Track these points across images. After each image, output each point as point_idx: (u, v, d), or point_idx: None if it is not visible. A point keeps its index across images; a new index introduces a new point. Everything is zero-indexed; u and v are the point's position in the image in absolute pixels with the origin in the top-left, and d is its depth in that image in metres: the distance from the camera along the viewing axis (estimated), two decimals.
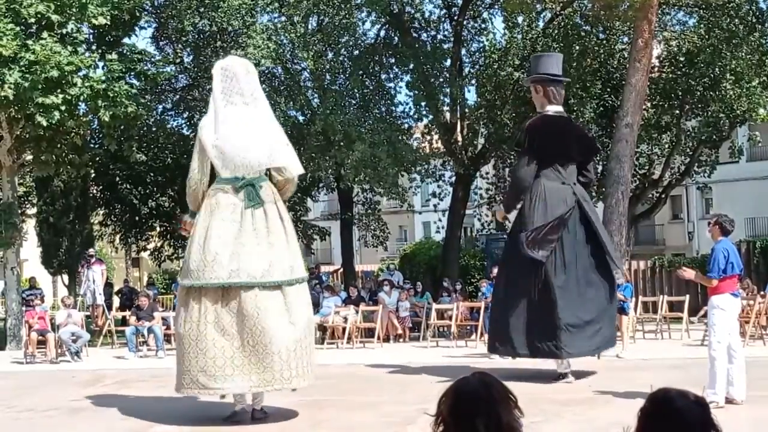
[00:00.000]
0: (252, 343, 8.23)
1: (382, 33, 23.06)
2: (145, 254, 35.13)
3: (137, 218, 28.37)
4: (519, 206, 11.11)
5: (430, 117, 22.60)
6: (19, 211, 21.18)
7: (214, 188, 8.83)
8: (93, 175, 26.38)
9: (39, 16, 16.70)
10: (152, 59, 21.26)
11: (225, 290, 8.40)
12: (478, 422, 2.47)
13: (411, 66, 21.88)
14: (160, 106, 26.20)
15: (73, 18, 17.17)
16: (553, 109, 11.29)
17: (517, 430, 2.52)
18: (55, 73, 16.14)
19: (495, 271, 16.14)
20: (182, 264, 9.31)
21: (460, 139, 23.52)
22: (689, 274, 8.92)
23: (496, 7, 23.30)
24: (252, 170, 8.71)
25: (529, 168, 11.00)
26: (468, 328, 17.47)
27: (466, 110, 23.44)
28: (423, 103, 21.63)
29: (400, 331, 18.03)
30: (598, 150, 12.17)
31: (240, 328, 8.28)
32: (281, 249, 8.58)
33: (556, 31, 22.45)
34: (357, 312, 17.35)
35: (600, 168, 23.05)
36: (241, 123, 8.80)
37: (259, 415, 8.72)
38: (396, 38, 22.73)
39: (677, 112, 23.18)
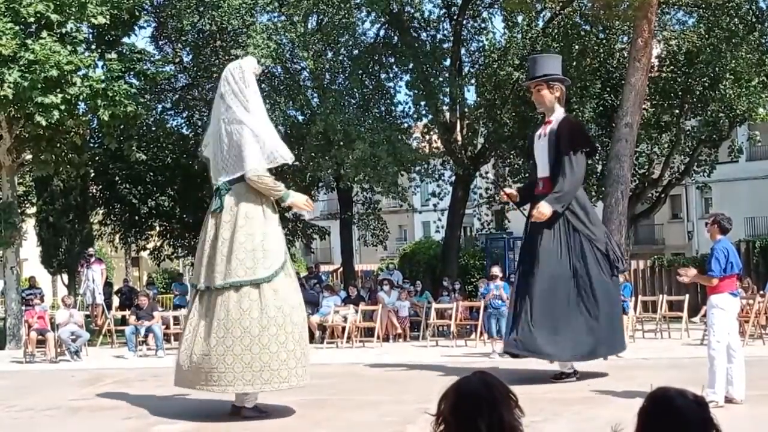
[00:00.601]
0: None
1: (382, 32, 23.06)
2: (144, 254, 35.14)
3: (137, 218, 28.35)
4: None
5: (430, 117, 22.59)
6: (19, 211, 21.16)
7: None
8: (92, 174, 26.38)
9: (38, 15, 16.68)
10: (152, 59, 21.25)
11: (200, 294, 8.91)
12: (480, 422, 2.46)
13: (410, 65, 21.86)
14: (160, 106, 26.18)
15: (73, 17, 17.15)
16: (563, 111, 11.24)
17: (518, 430, 2.53)
18: (54, 72, 16.13)
19: (495, 269, 16.17)
20: None
21: (459, 138, 23.52)
22: (691, 272, 8.85)
23: (496, 6, 23.30)
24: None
25: (585, 167, 11.07)
26: (468, 327, 17.47)
27: (466, 110, 23.44)
28: (423, 103, 21.62)
29: (399, 331, 18.03)
30: None
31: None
32: (223, 253, 8.63)
33: (555, 31, 22.46)
34: (356, 311, 17.35)
35: (600, 167, 23.10)
36: (216, 135, 9.04)
37: (248, 413, 8.74)
38: (395, 38, 22.72)
39: (677, 111, 23.18)
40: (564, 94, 11.20)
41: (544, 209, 10.54)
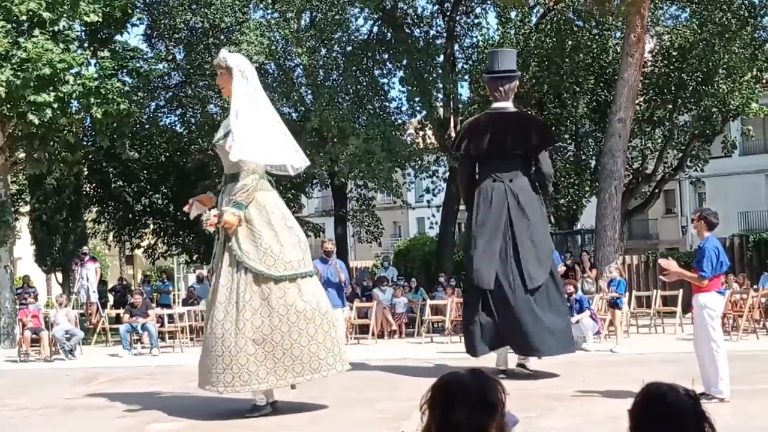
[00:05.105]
0: None
1: (375, 29, 23.05)
2: (138, 252, 35.10)
3: (131, 216, 28.33)
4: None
5: (424, 113, 22.60)
6: (13, 209, 21.09)
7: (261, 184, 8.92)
8: (86, 172, 26.34)
9: (30, 13, 16.62)
10: (144, 56, 21.18)
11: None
12: (460, 414, 2.46)
13: (404, 62, 21.86)
14: (153, 104, 26.14)
15: (65, 15, 17.08)
16: (498, 105, 11.27)
17: (506, 425, 2.52)
18: (47, 70, 16.07)
19: None
20: (268, 255, 8.56)
21: (453, 134, 23.50)
22: (673, 266, 8.66)
23: (489, 2, 23.32)
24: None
25: (464, 171, 11.03)
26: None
27: (460, 106, 23.43)
28: (416, 99, 21.63)
29: (394, 327, 18.01)
30: (546, 140, 11.77)
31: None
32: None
33: (548, 27, 22.49)
34: (351, 308, 17.33)
35: (593, 162, 23.14)
36: (264, 122, 9.20)
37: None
38: (389, 34, 22.71)
39: (670, 106, 23.21)
40: (491, 88, 11.39)
41: None
